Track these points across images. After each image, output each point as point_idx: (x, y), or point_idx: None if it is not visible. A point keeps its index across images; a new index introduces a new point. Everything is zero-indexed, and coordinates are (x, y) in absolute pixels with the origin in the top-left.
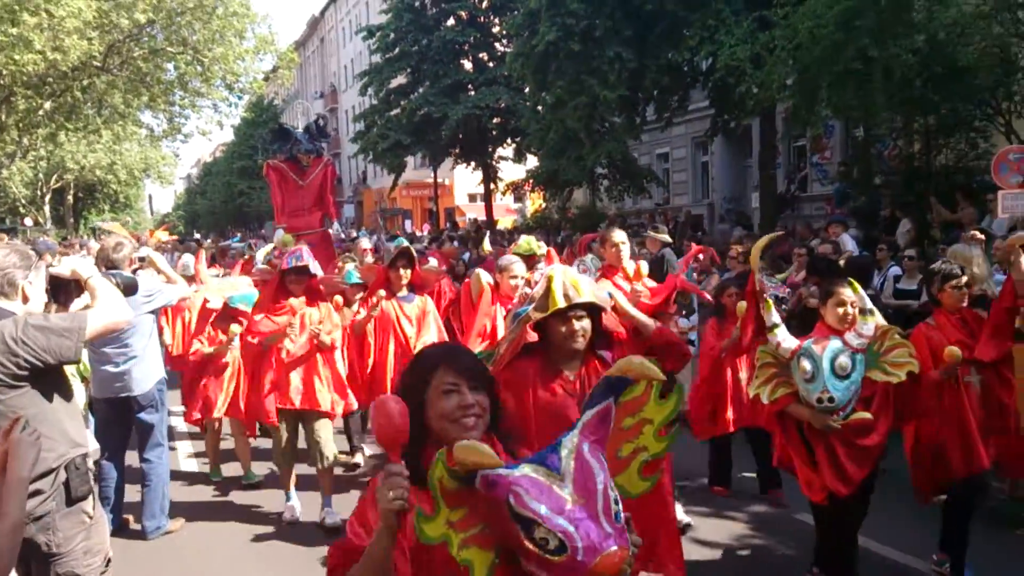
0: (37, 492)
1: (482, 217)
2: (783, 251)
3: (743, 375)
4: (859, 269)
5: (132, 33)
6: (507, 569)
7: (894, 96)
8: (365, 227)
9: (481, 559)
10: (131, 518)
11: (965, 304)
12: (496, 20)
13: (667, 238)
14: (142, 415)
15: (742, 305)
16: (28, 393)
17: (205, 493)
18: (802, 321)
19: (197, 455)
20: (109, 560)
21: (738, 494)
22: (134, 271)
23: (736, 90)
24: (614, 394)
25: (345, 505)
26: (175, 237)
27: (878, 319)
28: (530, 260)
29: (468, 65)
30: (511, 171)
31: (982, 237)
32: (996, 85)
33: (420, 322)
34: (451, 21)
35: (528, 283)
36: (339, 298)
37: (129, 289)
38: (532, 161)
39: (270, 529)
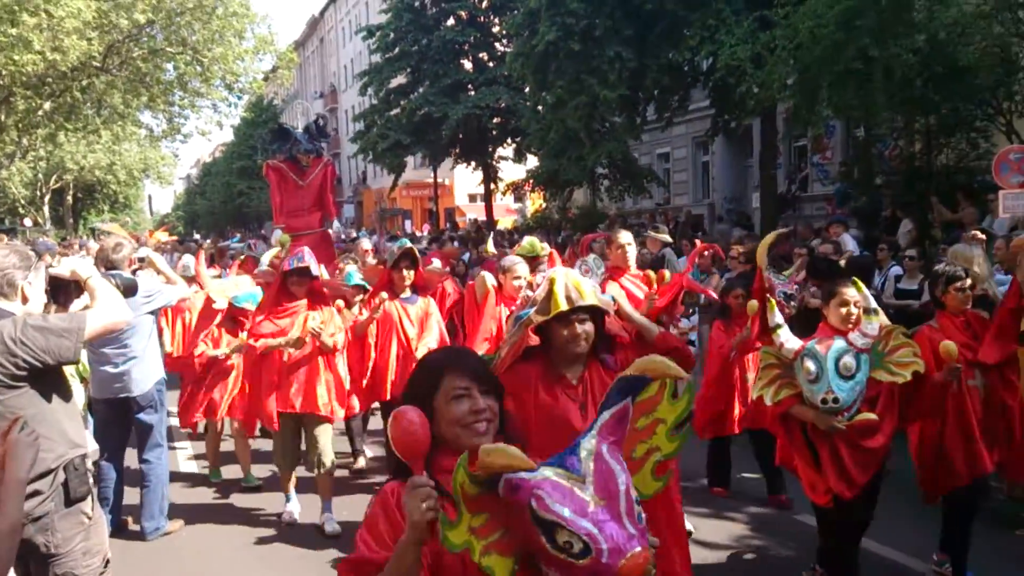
0: (36, 493)
1: (482, 217)
2: (784, 251)
3: (751, 375)
4: (860, 269)
5: (131, 33)
6: (527, 574)
7: (895, 96)
8: (365, 227)
9: (502, 565)
10: (130, 519)
11: (969, 306)
12: (496, 20)
13: (667, 238)
14: (141, 416)
15: (753, 304)
16: (27, 393)
17: (204, 495)
18: (803, 322)
19: (197, 457)
20: (108, 561)
21: (737, 495)
22: (133, 272)
23: (737, 90)
24: (631, 394)
25: (346, 508)
26: (175, 238)
27: (882, 319)
28: (533, 261)
29: (468, 65)
30: (511, 171)
31: (983, 237)
32: (997, 85)
33: (422, 324)
34: (451, 21)
35: (530, 285)
36: (339, 301)
37: (129, 290)
38: (532, 161)
39: (269, 531)
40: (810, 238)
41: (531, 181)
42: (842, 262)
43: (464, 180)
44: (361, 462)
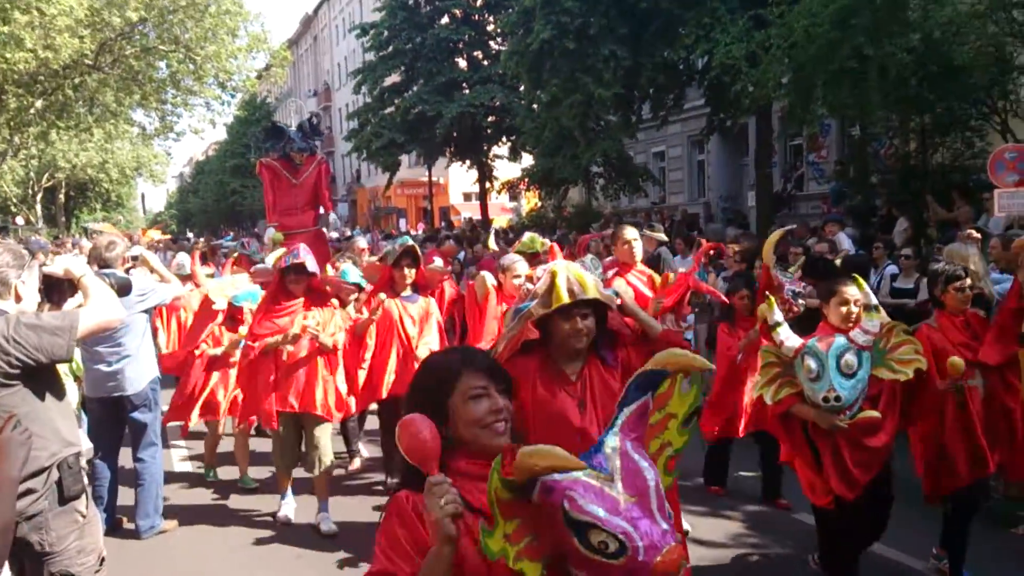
0: (29, 491)
1: (477, 216)
2: (781, 250)
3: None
4: (856, 268)
5: (124, 31)
6: None
7: (890, 95)
8: (359, 226)
9: (532, 570)
10: (124, 518)
11: (968, 306)
12: (490, 18)
13: (663, 237)
14: (135, 414)
15: (764, 307)
16: (20, 392)
17: (200, 494)
18: (802, 322)
19: (192, 458)
20: (103, 559)
21: (735, 494)
22: (127, 270)
23: (732, 89)
24: (652, 389)
25: (342, 508)
26: (168, 236)
27: (883, 316)
28: (533, 257)
29: (462, 63)
30: (506, 170)
31: (978, 236)
32: (991, 84)
33: (423, 323)
34: (445, 19)
35: (530, 279)
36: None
37: (123, 289)
38: (527, 160)
39: (265, 531)
40: (806, 237)
41: (526, 180)
42: (837, 261)
43: (459, 179)
44: (357, 462)
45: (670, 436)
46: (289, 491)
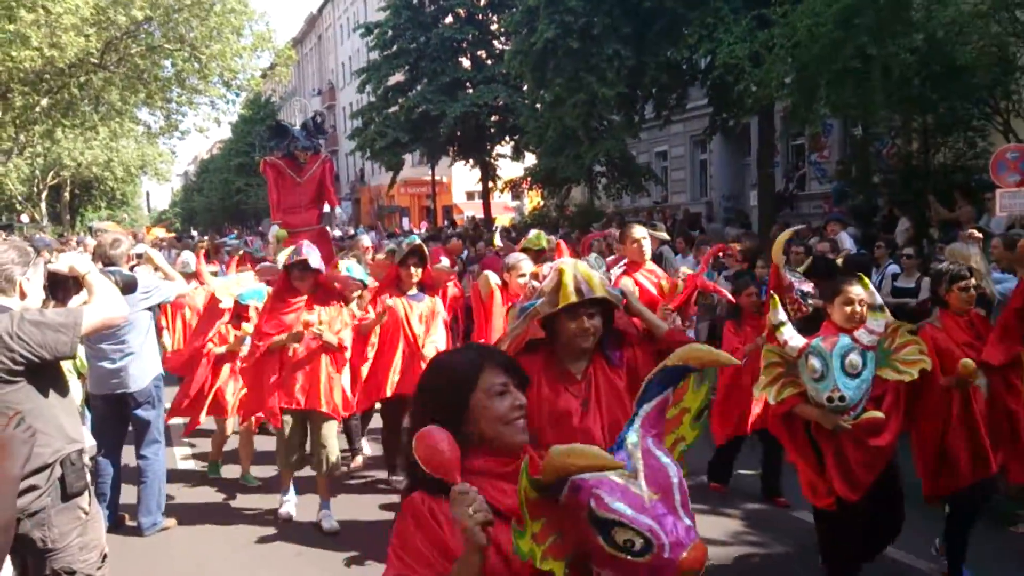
0: (32, 488)
1: (480, 215)
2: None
3: None
4: (857, 267)
5: (129, 30)
6: None
7: (892, 95)
8: (363, 225)
9: (557, 569)
10: (127, 515)
11: (972, 306)
12: (494, 17)
13: (665, 236)
14: (139, 412)
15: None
16: (24, 388)
17: (202, 492)
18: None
19: (194, 456)
20: (105, 556)
21: (735, 491)
22: (131, 268)
23: (735, 88)
24: (673, 384)
25: (344, 506)
26: (172, 235)
27: (888, 316)
28: (539, 254)
29: (466, 63)
30: (509, 169)
31: (980, 235)
32: (994, 84)
33: (429, 322)
34: (449, 18)
35: (536, 276)
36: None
37: (129, 287)
38: (530, 159)
39: (266, 529)
40: (808, 236)
41: (529, 179)
42: (839, 260)
43: (462, 178)
44: (359, 460)
45: (684, 431)
46: (291, 489)
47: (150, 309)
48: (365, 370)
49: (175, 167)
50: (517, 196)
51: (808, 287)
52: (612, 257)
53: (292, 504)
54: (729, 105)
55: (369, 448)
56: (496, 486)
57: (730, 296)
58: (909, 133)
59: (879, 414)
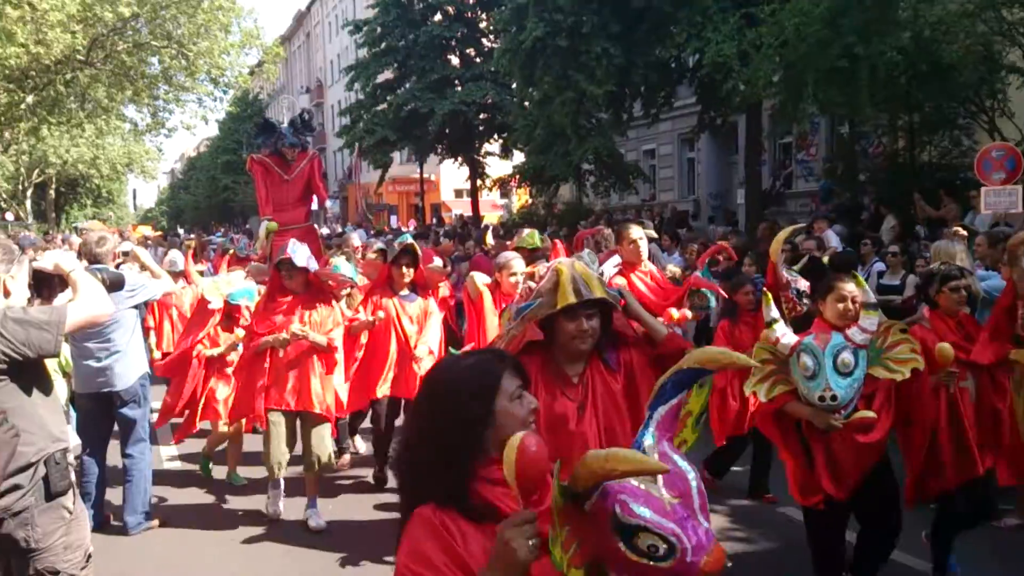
0: (16, 487)
1: (468, 213)
2: (769, 248)
3: None
4: (844, 265)
5: (116, 27)
6: None
7: (879, 93)
8: (351, 223)
9: None
10: (112, 515)
11: (963, 307)
12: (483, 15)
13: (653, 234)
14: (124, 410)
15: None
16: (7, 387)
17: (189, 491)
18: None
19: (181, 457)
20: (90, 556)
21: (721, 487)
22: (117, 266)
23: (723, 87)
24: (687, 387)
25: (331, 505)
26: (159, 233)
27: (881, 315)
28: (533, 253)
29: (455, 60)
30: (497, 167)
31: (964, 233)
32: (980, 83)
33: (422, 323)
34: (438, 16)
35: (531, 276)
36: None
37: (116, 284)
38: (519, 157)
39: (253, 528)
40: (795, 234)
41: (517, 177)
42: (825, 258)
43: (450, 176)
44: (346, 459)
45: (687, 434)
46: (280, 487)
47: (136, 308)
48: (353, 370)
49: (162, 165)
50: (505, 194)
51: (804, 286)
52: (602, 253)
53: (279, 502)
54: (717, 103)
55: (364, 447)
56: (511, 494)
57: (721, 291)
58: (895, 131)
59: (871, 414)
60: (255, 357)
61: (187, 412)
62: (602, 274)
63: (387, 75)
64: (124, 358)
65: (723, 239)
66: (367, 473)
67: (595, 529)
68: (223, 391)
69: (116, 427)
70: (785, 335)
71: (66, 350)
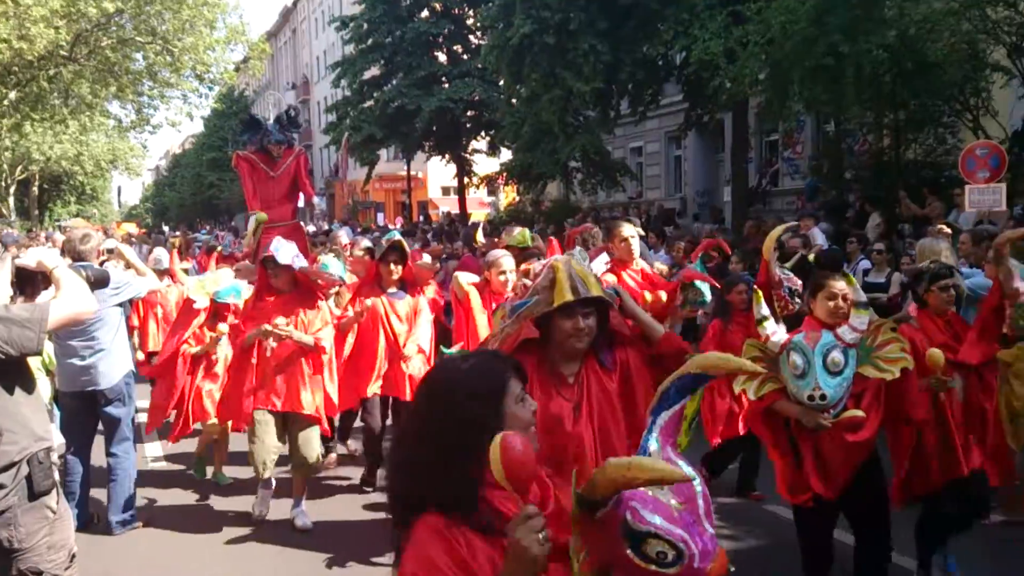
0: None
1: (455, 210)
2: (755, 246)
3: None
4: (830, 263)
5: (100, 22)
6: None
7: (864, 91)
8: (337, 220)
9: None
10: (97, 514)
11: (952, 306)
12: (470, 12)
13: (640, 231)
14: (109, 409)
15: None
16: None
17: (174, 490)
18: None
19: (166, 457)
20: (74, 556)
21: (711, 485)
22: (101, 263)
23: (709, 84)
24: (690, 393)
25: (317, 504)
26: (143, 231)
27: (872, 314)
28: (523, 252)
29: (442, 57)
30: (485, 164)
31: (949, 231)
32: (964, 81)
33: (411, 321)
34: (425, 12)
35: (526, 273)
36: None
37: (100, 282)
38: (506, 154)
39: (239, 528)
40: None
41: (504, 174)
42: (811, 256)
43: (437, 173)
44: (332, 458)
45: (681, 437)
46: (271, 487)
47: (121, 306)
48: (341, 369)
49: (146, 162)
50: (493, 192)
51: (796, 284)
52: (590, 251)
53: (267, 503)
54: (704, 101)
55: (355, 444)
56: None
57: (713, 281)
58: (881, 129)
59: (860, 413)
60: (243, 357)
61: (175, 412)
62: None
63: (374, 72)
64: (108, 356)
65: (709, 237)
66: (354, 473)
67: (604, 536)
68: (210, 389)
69: (100, 426)
70: (775, 333)
71: (49, 348)
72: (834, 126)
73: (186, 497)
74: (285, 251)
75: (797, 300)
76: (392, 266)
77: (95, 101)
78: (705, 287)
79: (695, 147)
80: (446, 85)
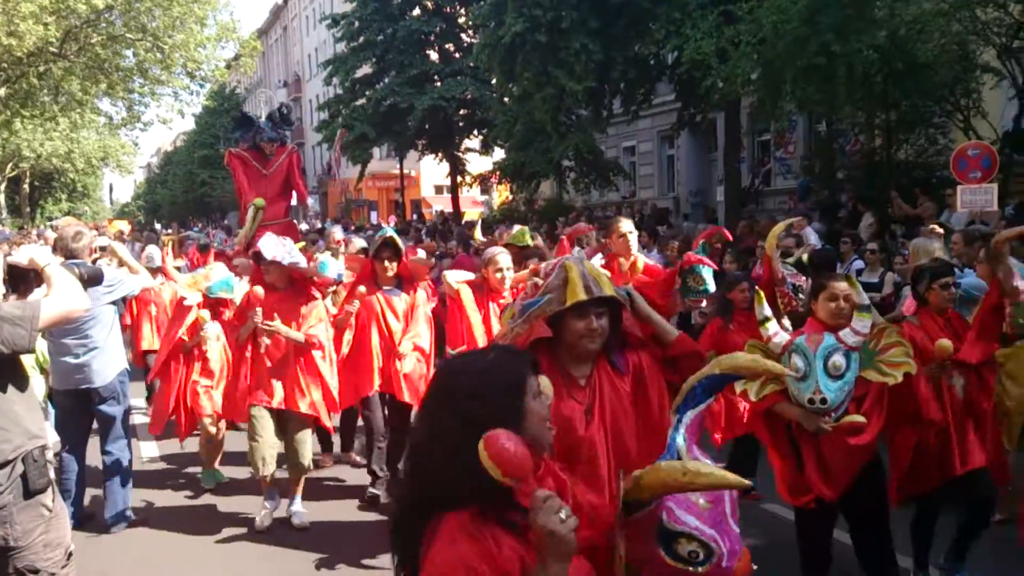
0: None
1: (448, 209)
2: (748, 245)
3: None
4: (823, 263)
5: (90, 19)
6: None
7: (856, 91)
8: (330, 218)
9: None
10: (93, 512)
11: (953, 305)
12: (462, 10)
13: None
14: (103, 407)
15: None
16: None
17: (170, 489)
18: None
19: (162, 457)
20: (70, 554)
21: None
22: (94, 260)
23: (701, 84)
24: (717, 392)
25: (314, 503)
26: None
27: (875, 316)
28: (522, 251)
29: (434, 55)
30: (478, 163)
31: (941, 231)
32: (955, 82)
33: (408, 317)
34: (416, 11)
35: (536, 273)
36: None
37: (94, 279)
38: (499, 153)
39: (235, 527)
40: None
41: (497, 173)
42: (804, 256)
43: (430, 172)
44: (328, 457)
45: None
46: (276, 499)
47: (115, 304)
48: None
49: (138, 159)
50: (486, 190)
51: (800, 281)
52: (588, 248)
53: (271, 514)
54: (696, 101)
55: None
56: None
57: (714, 264)
58: (872, 129)
59: (860, 418)
60: (240, 355)
61: (176, 412)
62: None
63: (366, 70)
64: (102, 354)
65: None
66: (349, 474)
67: (637, 535)
68: (207, 385)
69: (95, 424)
70: (777, 334)
71: (44, 346)
72: (826, 126)
73: (182, 497)
74: (270, 246)
75: (801, 297)
76: (386, 263)
77: (85, 98)
78: (708, 273)
79: (688, 147)
80: (438, 83)
